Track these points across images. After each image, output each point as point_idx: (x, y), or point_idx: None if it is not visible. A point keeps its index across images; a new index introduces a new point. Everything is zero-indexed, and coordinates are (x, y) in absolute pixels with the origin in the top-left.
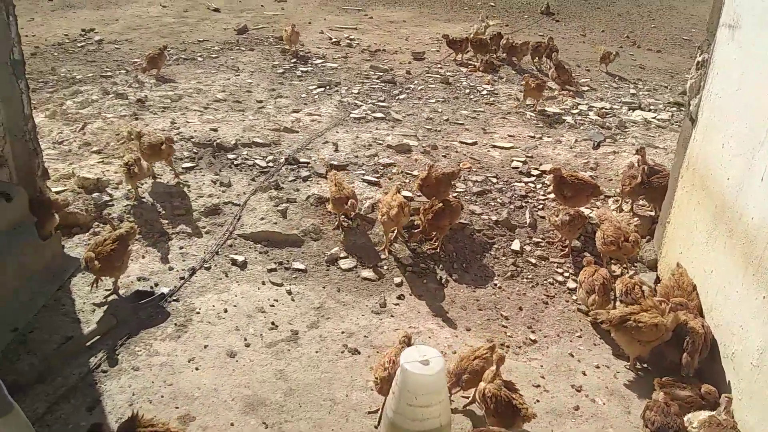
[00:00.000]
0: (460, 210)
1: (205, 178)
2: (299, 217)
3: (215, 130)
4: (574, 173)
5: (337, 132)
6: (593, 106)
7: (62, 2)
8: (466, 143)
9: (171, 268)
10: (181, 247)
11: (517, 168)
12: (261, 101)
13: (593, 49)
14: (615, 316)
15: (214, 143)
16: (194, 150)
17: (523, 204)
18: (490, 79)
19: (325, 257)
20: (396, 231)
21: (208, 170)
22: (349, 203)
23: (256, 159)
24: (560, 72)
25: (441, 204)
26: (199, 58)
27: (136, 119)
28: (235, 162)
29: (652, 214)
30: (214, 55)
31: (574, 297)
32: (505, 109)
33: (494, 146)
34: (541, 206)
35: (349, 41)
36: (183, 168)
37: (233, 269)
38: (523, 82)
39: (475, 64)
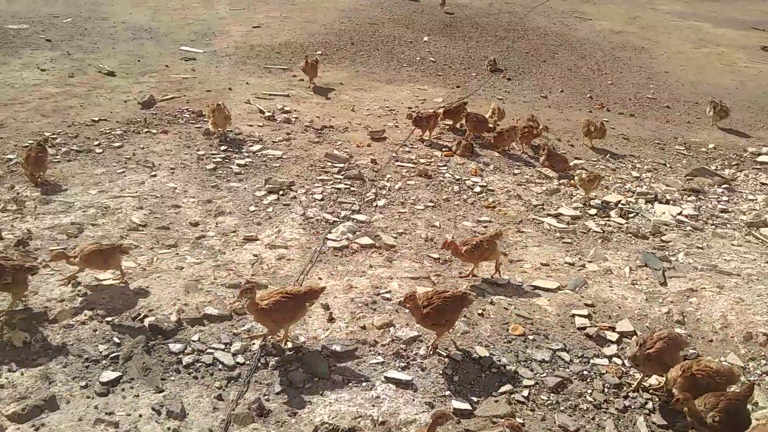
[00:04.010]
0: None
1: (141, 401)
2: None
3: (143, 292)
4: (704, 367)
5: (320, 278)
6: (607, 201)
7: None
8: (498, 284)
9: None
10: None
11: (584, 328)
12: (197, 224)
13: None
14: None
15: (146, 323)
16: (116, 339)
17: (626, 403)
18: (476, 168)
19: None
20: None
21: (144, 383)
22: None
23: (214, 348)
24: (553, 161)
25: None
26: (98, 150)
27: (10, 282)
28: (184, 360)
29: None
30: (116, 143)
31: None
32: (512, 214)
33: (535, 287)
34: (647, 403)
35: (285, 114)
36: (101, 382)
37: None
38: None
39: (450, 145)
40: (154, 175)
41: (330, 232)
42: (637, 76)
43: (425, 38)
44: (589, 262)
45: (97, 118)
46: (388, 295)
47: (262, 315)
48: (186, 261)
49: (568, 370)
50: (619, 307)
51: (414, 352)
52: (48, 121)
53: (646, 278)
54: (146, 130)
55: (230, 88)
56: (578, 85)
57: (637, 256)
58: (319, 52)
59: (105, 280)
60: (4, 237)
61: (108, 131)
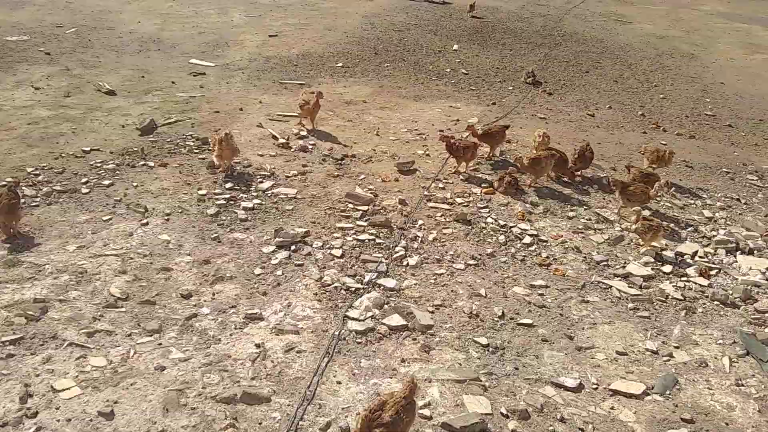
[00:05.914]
0: None
1: None
2: None
3: (107, 413)
4: None
5: (338, 382)
6: (683, 254)
7: None
8: (567, 388)
9: None
10: None
11: None
12: (189, 295)
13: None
14: None
15: None
16: None
17: None
18: (522, 211)
19: None
20: None
21: None
22: None
23: None
24: (630, 196)
25: None
26: (84, 189)
27: None
28: None
29: None
30: (106, 181)
31: None
32: (572, 274)
33: (614, 392)
34: None
35: (300, 140)
36: None
37: None
38: None
39: (490, 180)
40: (146, 224)
41: (351, 307)
42: (691, 88)
43: (455, 46)
44: (676, 347)
45: (88, 148)
46: (427, 411)
47: None
48: (170, 356)
49: None
50: (726, 424)
51: None
52: (33, 152)
53: (753, 374)
54: (143, 162)
55: (241, 109)
56: (627, 99)
57: (734, 338)
58: (340, 64)
59: (64, 390)
60: None
61: (99, 164)
